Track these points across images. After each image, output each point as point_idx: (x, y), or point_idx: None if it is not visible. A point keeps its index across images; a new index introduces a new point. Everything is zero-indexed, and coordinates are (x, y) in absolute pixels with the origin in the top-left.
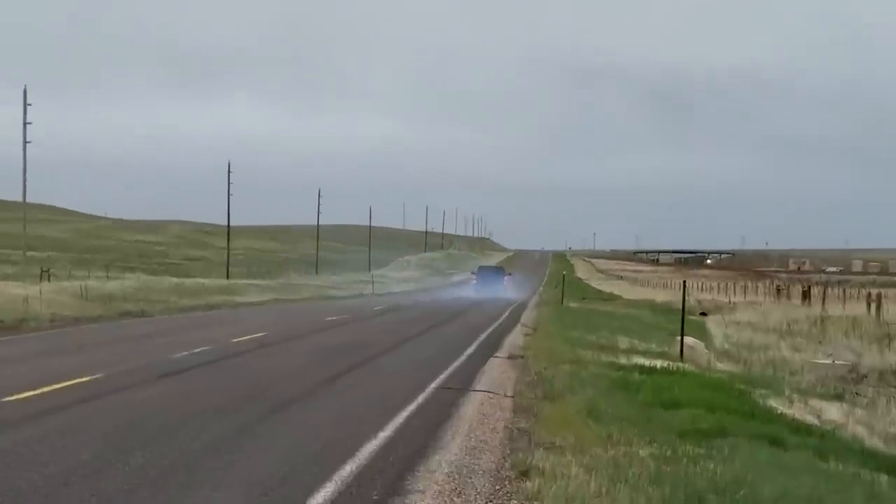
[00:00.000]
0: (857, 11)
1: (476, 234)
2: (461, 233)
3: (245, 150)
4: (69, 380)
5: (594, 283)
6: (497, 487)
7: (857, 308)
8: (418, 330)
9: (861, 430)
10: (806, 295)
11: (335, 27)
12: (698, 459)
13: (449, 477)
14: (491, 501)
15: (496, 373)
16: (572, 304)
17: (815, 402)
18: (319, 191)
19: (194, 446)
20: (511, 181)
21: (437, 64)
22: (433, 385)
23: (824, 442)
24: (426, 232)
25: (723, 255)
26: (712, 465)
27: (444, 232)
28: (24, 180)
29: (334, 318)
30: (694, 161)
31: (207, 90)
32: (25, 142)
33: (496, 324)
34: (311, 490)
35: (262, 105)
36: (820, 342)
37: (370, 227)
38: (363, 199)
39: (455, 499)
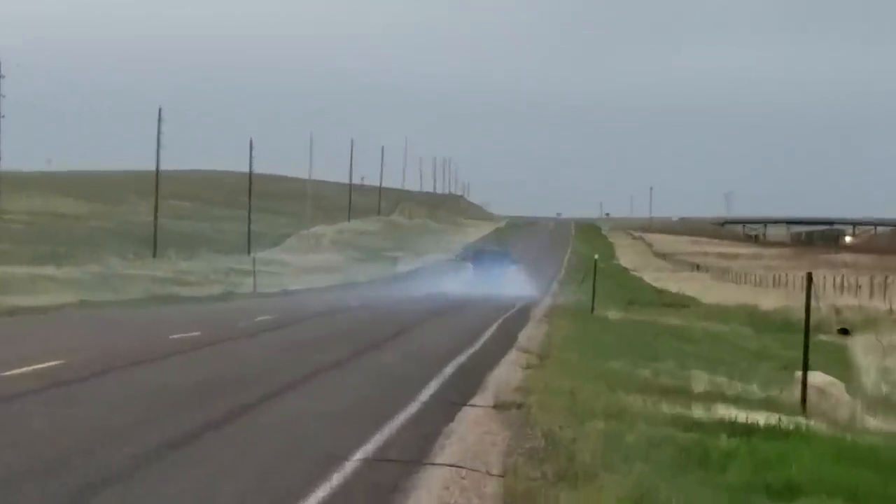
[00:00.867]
0: None
1: (441, 190)
2: (413, 186)
3: None
4: None
5: (649, 277)
6: None
7: None
8: (335, 358)
9: None
10: None
11: None
12: None
13: None
14: None
15: (474, 433)
16: (611, 314)
17: None
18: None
19: None
20: (500, 100)
21: None
22: (357, 456)
23: None
24: (351, 185)
25: (877, 229)
26: None
27: (384, 185)
28: None
29: (180, 335)
30: (831, 64)
31: None
32: None
33: (472, 349)
34: None
35: None
36: None
37: (250, 175)
38: (238, 131)
39: None
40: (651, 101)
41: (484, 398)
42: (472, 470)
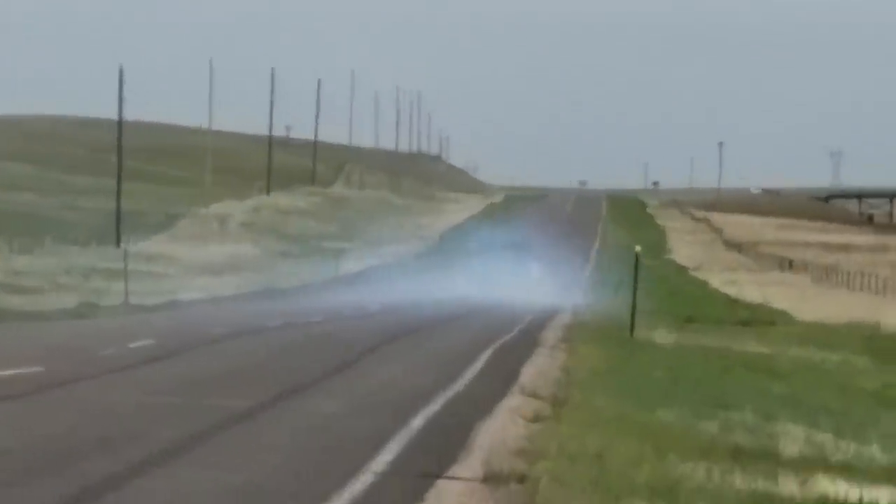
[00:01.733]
0: None
1: (407, 148)
2: (365, 142)
3: None
4: None
5: (718, 280)
6: None
7: None
8: (245, 405)
9: None
10: None
11: None
12: None
13: None
14: None
15: None
16: (660, 337)
17: None
18: None
19: None
20: (491, 11)
21: None
22: None
23: None
24: (270, 139)
25: None
26: None
27: (322, 140)
28: None
29: (12, 371)
30: None
31: None
32: None
33: (451, 390)
34: None
35: None
36: None
37: (120, 124)
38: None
39: None
40: (720, 16)
41: (469, 466)
42: None
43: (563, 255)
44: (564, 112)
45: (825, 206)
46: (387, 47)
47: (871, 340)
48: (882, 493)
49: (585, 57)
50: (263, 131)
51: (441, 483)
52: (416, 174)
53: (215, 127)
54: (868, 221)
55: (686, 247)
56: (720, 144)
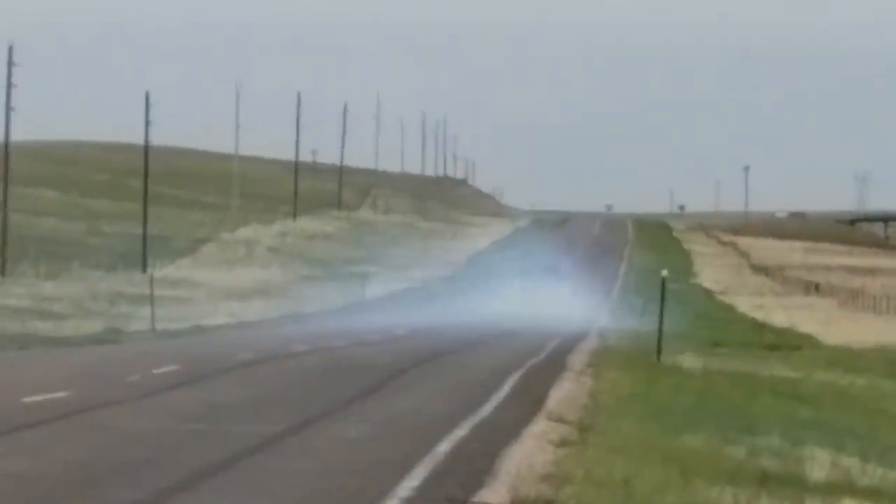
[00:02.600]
0: None
1: (433, 172)
2: (391, 166)
3: None
4: None
5: (745, 304)
6: None
7: None
8: (271, 431)
9: None
10: None
11: None
12: None
13: None
14: None
15: None
16: (687, 362)
17: None
18: None
19: None
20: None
21: None
22: None
23: None
24: (297, 163)
25: None
26: None
27: (348, 164)
28: None
29: (39, 397)
30: None
31: None
32: None
33: (479, 414)
34: None
35: None
36: None
37: (146, 149)
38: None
39: None
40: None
41: (495, 491)
42: None
43: (589, 278)
44: (590, 136)
45: (851, 229)
46: (412, 71)
47: None
48: None
49: (611, 80)
50: (290, 156)
51: None
52: (442, 198)
53: (242, 151)
54: None
55: (713, 271)
56: (746, 168)
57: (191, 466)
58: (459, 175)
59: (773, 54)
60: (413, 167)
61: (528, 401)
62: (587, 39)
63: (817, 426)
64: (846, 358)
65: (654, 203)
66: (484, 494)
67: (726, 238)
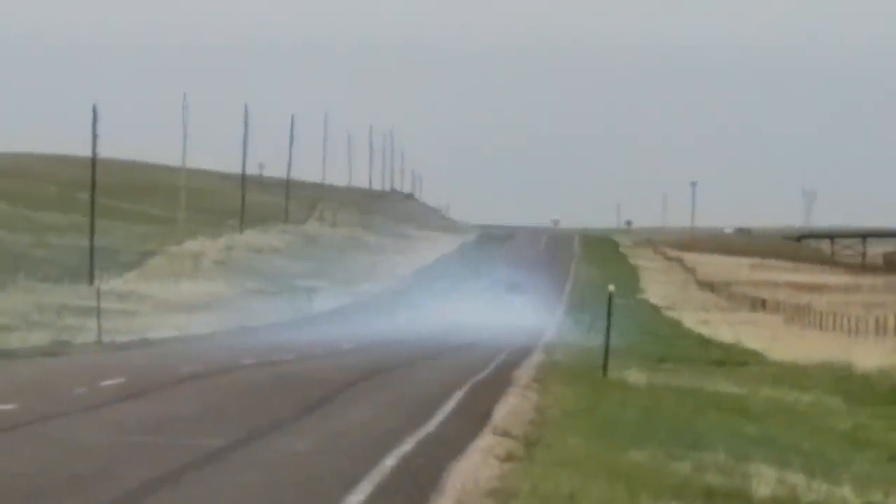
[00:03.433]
0: None
1: (380, 186)
2: (338, 180)
3: None
4: None
5: (691, 320)
6: None
7: None
8: (215, 444)
9: None
10: None
11: None
12: None
13: None
14: None
15: None
16: (633, 377)
17: None
18: None
19: None
20: (461, 52)
21: None
22: None
23: None
24: (244, 176)
25: None
26: None
27: (295, 178)
28: None
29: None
30: None
31: None
32: None
33: (423, 429)
34: None
35: None
36: None
37: (93, 161)
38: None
39: None
40: (692, 53)
41: None
42: None
43: (536, 293)
44: (537, 151)
45: (798, 245)
46: (360, 85)
47: (844, 381)
48: None
49: (557, 96)
50: (237, 169)
51: None
52: (389, 212)
53: (189, 164)
54: (842, 262)
55: (659, 286)
56: (693, 184)
57: (137, 479)
58: (406, 189)
59: (720, 69)
60: (360, 181)
61: (474, 415)
62: (535, 55)
63: (763, 442)
64: (792, 374)
65: (601, 218)
66: None
67: (673, 253)
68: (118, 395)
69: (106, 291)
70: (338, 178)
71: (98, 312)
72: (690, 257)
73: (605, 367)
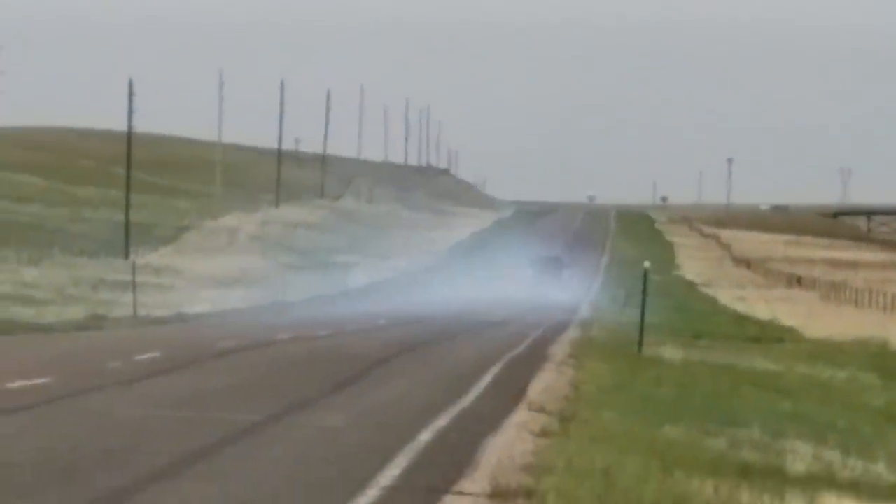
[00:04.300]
0: None
1: (416, 161)
2: (375, 155)
3: None
4: None
5: (727, 296)
6: None
7: None
8: (251, 419)
9: None
10: None
11: None
12: None
13: None
14: None
15: None
16: (669, 353)
17: None
18: None
19: None
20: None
21: None
22: None
23: None
24: (280, 151)
25: None
26: None
27: (331, 153)
28: None
29: (21, 383)
30: None
31: None
32: None
33: (459, 405)
34: None
35: None
36: None
37: (129, 136)
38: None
39: None
40: (731, 32)
41: (476, 482)
42: None
43: (571, 270)
44: (573, 127)
45: (834, 222)
46: (397, 61)
47: (879, 357)
48: None
49: (595, 72)
50: (273, 144)
51: (448, 498)
52: (425, 188)
53: (225, 139)
54: (879, 240)
55: (695, 263)
56: (729, 160)
57: (173, 453)
58: (442, 165)
59: (758, 48)
60: (396, 157)
61: (510, 391)
62: (574, 32)
63: (798, 419)
64: (827, 351)
65: (636, 194)
66: (464, 484)
67: (709, 230)
68: (153, 369)
69: (141, 266)
70: (373, 154)
71: (133, 287)
72: (726, 234)
73: (640, 344)
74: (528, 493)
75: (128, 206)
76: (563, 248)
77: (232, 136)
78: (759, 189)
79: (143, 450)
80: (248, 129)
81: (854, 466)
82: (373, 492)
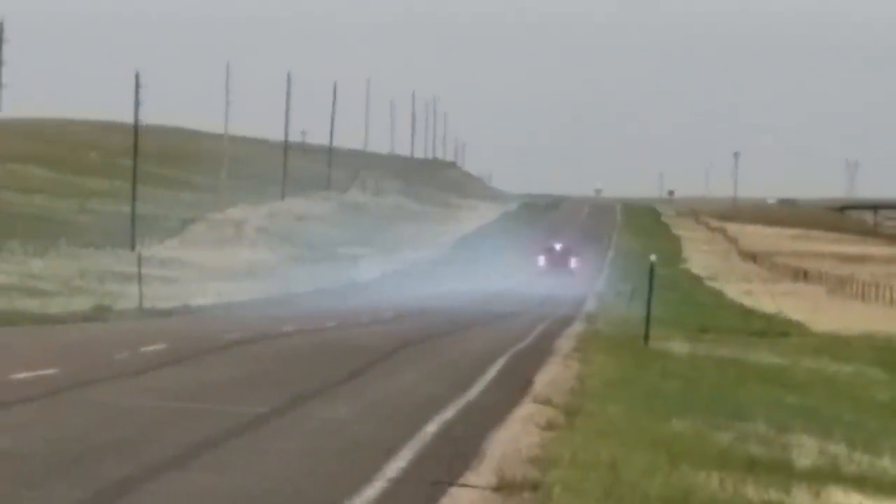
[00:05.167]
0: None
1: (423, 154)
2: (381, 147)
3: None
4: None
5: (733, 290)
6: None
7: None
8: (257, 410)
9: None
10: None
11: None
12: None
13: None
14: None
15: None
16: (675, 347)
17: None
18: None
19: None
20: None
21: None
22: None
23: None
24: (286, 143)
25: None
26: None
27: (338, 145)
28: None
29: (26, 374)
30: None
31: None
32: None
33: (464, 397)
34: None
35: None
36: None
37: (136, 128)
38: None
39: None
40: (737, 26)
41: (481, 475)
42: None
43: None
44: (580, 120)
45: (840, 216)
46: (403, 53)
47: (885, 352)
48: None
49: (602, 65)
50: (279, 136)
51: (454, 491)
52: (432, 181)
53: (231, 131)
54: (886, 234)
55: (701, 256)
56: (736, 154)
57: (178, 444)
58: (449, 158)
59: (765, 41)
60: (403, 149)
61: (516, 384)
62: (581, 25)
63: (804, 413)
64: (834, 345)
65: (643, 187)
66: (470, 477)
67: (715, 224)
68: (159, 360)
69: (147, 258)
70: (380, 146)
71: (139, 279)
72: (733, 228)
73: (646, 337)
74: (534, 486)
75: (134, 198)
76: (568, 242)
77: (238, 128)
78: (766, 183)
79: (150, 441)
80: (254, 122)
81: (860, 460)
82: (379, 483)
